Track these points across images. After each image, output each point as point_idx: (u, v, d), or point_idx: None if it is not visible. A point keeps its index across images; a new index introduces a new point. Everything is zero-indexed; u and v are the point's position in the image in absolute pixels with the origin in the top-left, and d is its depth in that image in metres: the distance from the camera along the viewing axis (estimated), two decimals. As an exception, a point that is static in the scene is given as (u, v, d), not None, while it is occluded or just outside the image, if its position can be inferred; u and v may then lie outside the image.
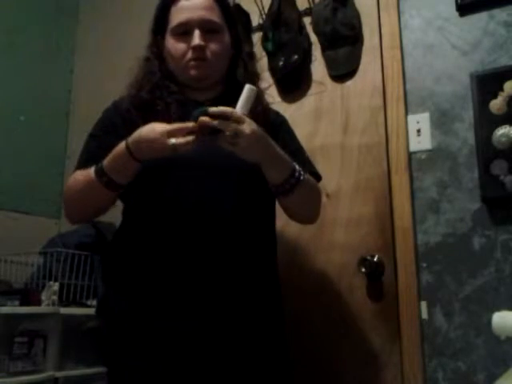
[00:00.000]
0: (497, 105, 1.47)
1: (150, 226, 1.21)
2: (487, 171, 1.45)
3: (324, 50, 1.79)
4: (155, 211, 1.21)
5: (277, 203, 1.30)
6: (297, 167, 1.19)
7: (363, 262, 1.58)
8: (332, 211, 1.68)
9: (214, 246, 1.16)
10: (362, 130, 1.70)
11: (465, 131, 1.55)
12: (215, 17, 1.27)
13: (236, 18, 1.41)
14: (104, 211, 1.26)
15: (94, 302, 1.71)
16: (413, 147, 1.62)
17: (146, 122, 1.12)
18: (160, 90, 1.25)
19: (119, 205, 1.28)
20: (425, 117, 1.61)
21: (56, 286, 1.63)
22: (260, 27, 1.90)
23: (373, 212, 1.63)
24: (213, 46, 1.26)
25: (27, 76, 2.25)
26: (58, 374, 1.53)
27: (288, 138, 1.36)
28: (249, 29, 1.92)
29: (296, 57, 1.78)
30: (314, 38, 1.82)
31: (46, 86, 2.35)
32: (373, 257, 1.58)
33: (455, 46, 1.61)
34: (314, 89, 1.82)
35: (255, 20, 1.94)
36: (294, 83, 1.83)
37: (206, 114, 1.03)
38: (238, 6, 1.92)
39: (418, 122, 1.62)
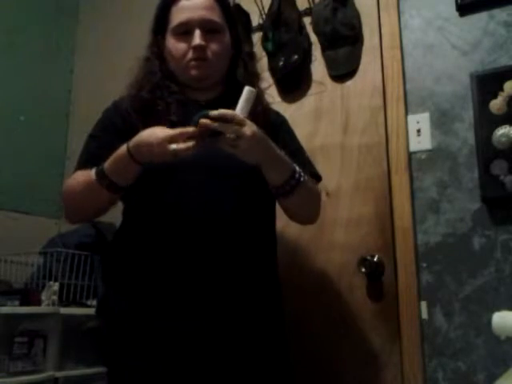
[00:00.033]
0: (497, 105, 1.47)
1: (151, 226, 1.21)
2: (487, 171, 1.45)
3: (324, 49, 1.79)
4: (156, 212, 1.21)
5: (277, 204, 1.30)
6: (297, 169, 1.19)
7: (363, 261, 1.58)
8: (332, 211, 1.68)
9: (213, 246, 1.16)
10: (362, 130, 1.70)
11: (465, 131, 1.55)
12: (216, 17, 1.27)
13: (236, 18, 1.41)
14: (104, 212, 1.26)
15: (94, 302, 1.71)
16: (413, 147, 1.62)
17: (146, 122, 1.12)
18: (160, 89, 1.25)
19: (119, 205, 1.28)
20: (425, 117, 1.61)
21: (56, 286, 1.63)
22: (260, 27, 1.90)
23: (373, 212, 1.63)
24: (213, 46, 1.25)
25: (27, 76, 2.25)
26: (58, 374, 1.53)
27: (288, 138, 1.36)
28: (249, 29, 1.92)
29: (296, 57, 1.78)
30: (314, 37, 1.82)
31: (46, 86, 2.35)
32: (373, 257, 1.58)
33: (455, 46, 1.61)
34: (314, 89, 1.82)
35: (255, 20, 1.94)
36: (294, 83, 1.83)
37: (207, 116, 1.03)
38: (238, 6, 1.92)
39: (418, 122, 1.62)
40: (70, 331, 1.59)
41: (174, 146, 1.03)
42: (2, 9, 2.19)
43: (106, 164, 1.14)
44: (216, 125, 1.03)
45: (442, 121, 1.59)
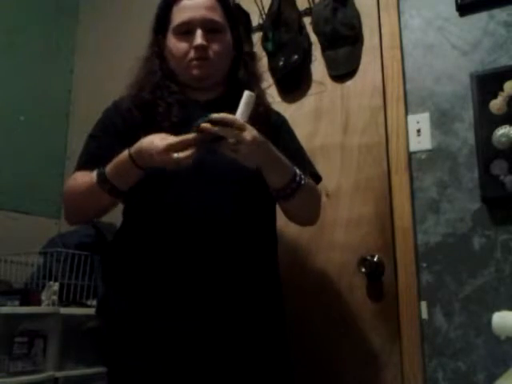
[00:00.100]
0: (497, 105, 1.47)
1: (151, 227, 1.21)
2: (487, 171, 1.45)
3: (324, 50, 1.79)
4: (156, 213, 1.21)
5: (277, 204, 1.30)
6: (297, 171, 1.19)
7: (363, 261, 1.58)
8: (332, 211, 1.68)
9: (214, 246, 1.16)
10: (362, 130, 1.71)
11: (465, 131, 1.55)
12: (217, 16, 1.27)
13: (238, 19, 1.41)
14: (104, 214, 1.27)
15: (94, 302, 1.70)
16: (413, 147, 1.62)
17: (146, 122, 1.12)
18: (161, 90, 1.25)
19: (119, 205, 1.28)
20: (425, 117, 1.61)
21: (56, 286, 1.63)
22: (260, 27, 1.90)
23: (373, 212, 1.63)
24: (215, 46, 1.25)
25: (27, 76, 2.25)
26: (58, 374, 1.53)
27: (288, 139, 1.36)
28: (249, 29, 1.92)
29: (296, 57, 1.78)
30: (314, 37, 1.82)
31: (46, 86, 2.34)
32: (373, 257, 1.58)
33: (455, 46, 1.61)
34: (313, 89, 1.82)
35: (255, 20, 1.94)
36: (294, 83, 1.83)
37: (208, 121, 1.03)
38: (238, 6, 1.91)
39: (417, 122, 1.62)
40: (69, 331, 1.58)
41: (175, 155, 1.03)
42: (2, 9, 2.19)
43: (108, 168, 1.14)
44: (217, 129, 1.03)
45: (441, 121, 1.59)
